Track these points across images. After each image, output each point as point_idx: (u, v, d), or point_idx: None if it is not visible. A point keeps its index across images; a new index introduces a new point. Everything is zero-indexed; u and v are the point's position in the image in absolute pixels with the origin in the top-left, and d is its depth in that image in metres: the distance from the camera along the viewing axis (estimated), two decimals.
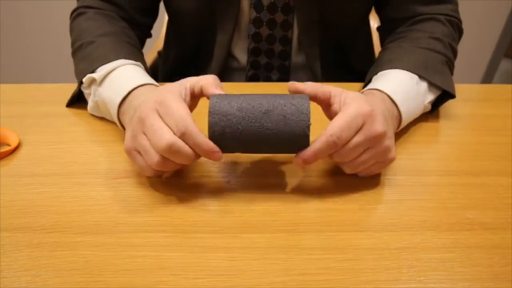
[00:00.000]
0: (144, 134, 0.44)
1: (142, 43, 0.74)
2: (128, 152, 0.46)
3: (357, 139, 0.44)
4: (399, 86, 0.55)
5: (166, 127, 0.42)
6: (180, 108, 0.43)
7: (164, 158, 0.43)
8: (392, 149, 0.47)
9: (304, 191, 0.49)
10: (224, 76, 0.78)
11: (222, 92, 0.46)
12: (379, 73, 0.59)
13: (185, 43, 0.79)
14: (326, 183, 0.50)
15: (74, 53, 0.63)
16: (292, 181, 0.50)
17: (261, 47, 0.74)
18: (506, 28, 1.93)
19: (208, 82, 0.46)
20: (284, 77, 0.77)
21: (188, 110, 0.44)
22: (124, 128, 0.53)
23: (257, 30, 0.72)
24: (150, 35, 0.78)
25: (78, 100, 0.62)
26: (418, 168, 0.53)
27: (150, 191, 0.49)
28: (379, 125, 0.45)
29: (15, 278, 0.39)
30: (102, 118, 0.60)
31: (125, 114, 0.51)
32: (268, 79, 0.77)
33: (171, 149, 0.42)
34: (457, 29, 0.67)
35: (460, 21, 0.68)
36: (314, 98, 0.47)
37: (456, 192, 0.49)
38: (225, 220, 0.45)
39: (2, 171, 0.51)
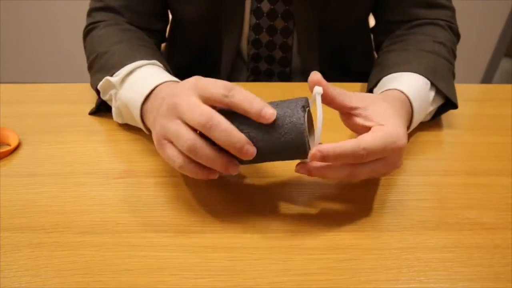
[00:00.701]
0: (179, 118, 0.41)
1: (158, 49, 0.73)
2: (158, 142, 0.43)
3: (378, 167, 0.43)
4: (417, 91, 0.53)
5: (186, 128, 0.40)
6: (199, 104, 0.40)
7: (198, 143, 0.40)
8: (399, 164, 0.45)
9: (304, 191, 0.49)
10: (233, 79, 0.78)
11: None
12: (390, 76, 0.56)
13: (191, 47, 0.79)
14: (327, 183, 0.50)
15: (90, 67, 0.62)
16: (292, 180, 0.50)
17: (261, 53, 0.74)
18: (506, 28, 1.93)
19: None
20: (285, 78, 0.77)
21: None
22: (148, 130, 0.51)
23: (257, 37, 0.72)
24: (164, 40, 0.77)
25: (102, 110, 0.60)
26: (418, 168, 0.53)
27: (150, 191, 0.49)
28: (401, 158, 0.44)
29: (15, 278, 0.39)
30: (102, 118, 0.60)
31: (150, 112, 0.48)
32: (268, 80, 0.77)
33: (211, 124, 0.38)
34: (456, 35, 0.67)
35: (457, 28, 0.68)
36: (330, 102, 0.44)
37: (456, 192, 0.49)
38: (225, 220, 0.45)
39: (2, 171, 0.51)
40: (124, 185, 0.49)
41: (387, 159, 0.43)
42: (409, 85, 0.53)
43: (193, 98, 0.41)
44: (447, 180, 0.51)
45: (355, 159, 0.41)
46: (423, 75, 0.55)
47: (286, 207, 0.47)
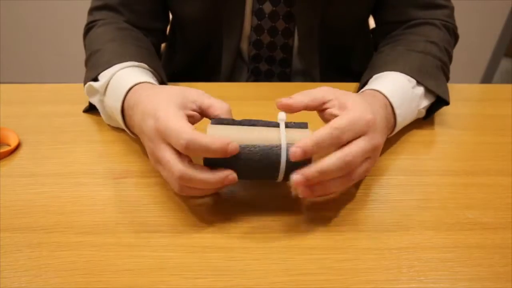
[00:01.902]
0: (164, 142, 0.43)
1: (157, 49, 0.73)
2: (153, 163, 0.46)
3: (362, 144, 0.42)
4: (397, 89, 0.54)
5: (174, 157, 0.41)
6: (176, 123, 0.41)
7: (188, 172, 0.41)
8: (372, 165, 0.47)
9: None
10: (234, 79, 0.78)
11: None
12: (375, 76, 0.58)
13: (192, 47, 0.79)
14: None
15: (85, 65, 0.63)
16: None
17: (262, 54, 0.74)
18: (506, 28, 1.93)
19: (224, 111, 0.45)
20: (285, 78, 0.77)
21: (185, 120, 0.42)
22: (134, 134, 0.52)
23: (258, 38, 0.72)
24: (165, 39, 0.77)
25: (95, 108, 0.60)
26: (418, 168, 0.53)
27: (150, 191, 0.49)
28: (380, 136, 0.45)
29: (15, 278, 0.39)
30: (102, 118, 0.60)
31: (132, 118, 0.49)
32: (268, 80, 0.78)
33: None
34: (453, 34, 0.67)
35: (455, 26, 0.68)
36: (305, 108, 0.46)
37: (456, 192, 0.49)
38: (225, 220, 0.45)
39: (2, 171, 0.51)
40: (124, 185, 0.49)
41: (365, 138, 0.43)
42: (387, 84, 0.54)
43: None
44: (447, 180, 0.51)
45: (333, 141, 0.41)
46: (407, 74, 0.56)
47: (286, 207, 0.47)
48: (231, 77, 0.77)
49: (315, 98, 0.46)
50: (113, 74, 0.54)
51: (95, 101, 0.57)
